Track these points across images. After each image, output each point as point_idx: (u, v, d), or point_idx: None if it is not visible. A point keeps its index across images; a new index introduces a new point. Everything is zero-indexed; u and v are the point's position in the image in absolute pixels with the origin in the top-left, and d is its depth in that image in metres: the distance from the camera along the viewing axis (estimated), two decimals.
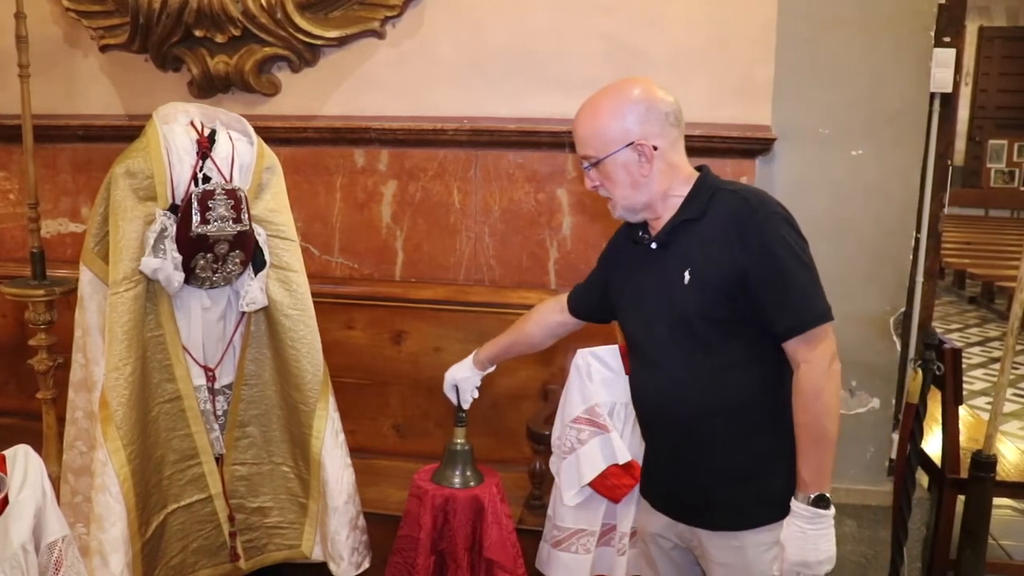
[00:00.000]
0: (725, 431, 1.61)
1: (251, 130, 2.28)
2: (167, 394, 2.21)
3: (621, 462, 2.12)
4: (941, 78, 2.85)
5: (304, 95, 3.06)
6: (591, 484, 2.16)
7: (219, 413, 2.32)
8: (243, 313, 2.30)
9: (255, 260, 2.24)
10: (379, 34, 2.97)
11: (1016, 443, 3.26)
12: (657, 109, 1.60)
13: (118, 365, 2.05)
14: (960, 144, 11.68)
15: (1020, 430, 4.56)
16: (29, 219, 2.58)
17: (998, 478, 2.48)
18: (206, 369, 2.28)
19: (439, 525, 2.16)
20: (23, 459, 1.52)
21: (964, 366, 2.70)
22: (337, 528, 2.32)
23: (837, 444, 1.57)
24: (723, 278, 1.55)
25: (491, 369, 2.15)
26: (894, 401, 2.94)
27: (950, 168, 3.05)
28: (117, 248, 2.07)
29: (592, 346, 2.20)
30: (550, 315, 2.02)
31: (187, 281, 2.17)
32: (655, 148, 1.58)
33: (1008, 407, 4.84)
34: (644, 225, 1.70)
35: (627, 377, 1.84)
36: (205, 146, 2.16)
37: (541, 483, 2.50)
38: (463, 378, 2.14)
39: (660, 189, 1.62)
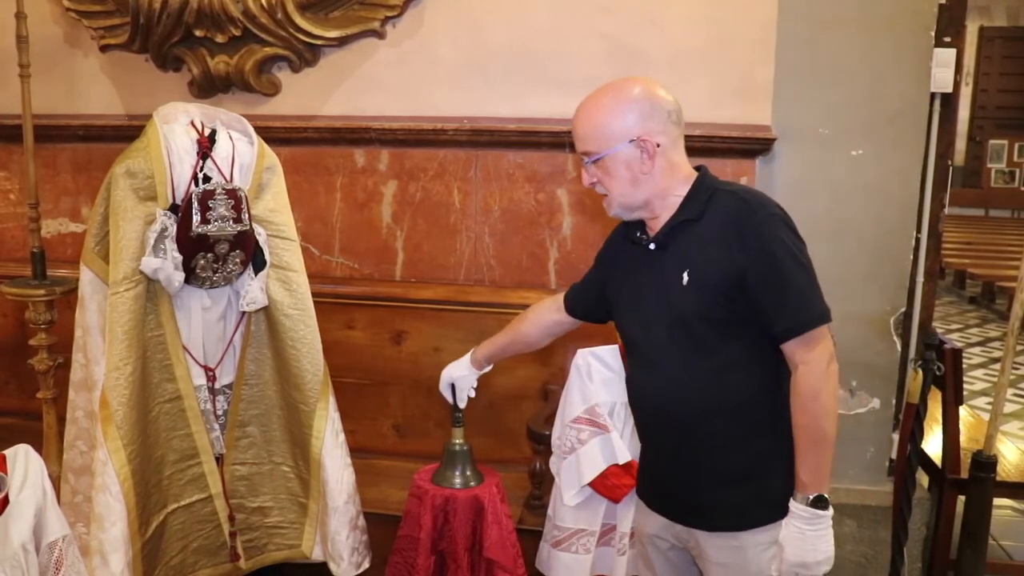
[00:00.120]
0: (725, 431, 1.61)
1: (251, 130, 2.28)
2: (167, 394, 2.21)
3: (621, 462, 2.12)
4: (941, 78, 2.85)
5: (304, 95, 3.07)
6: (591, 484, 2.16)
7: (219, 413, 2.32)
8: (243, 313, 2.30)
9: (255, 260, 2.24)
10: (379, 34, 2.97)
11: (1016, 443, 3.26)
12: (660, 107, 1.60)
13: (118, 365, 2.05)
14: (960, 144, 11.68)
15: (1020, 430, 4.56)
16: (29, 219, 2.59)
17: (998, 478, 2.48)
18: (206, 369, 2.28)
19: (439, 525, 2.16)
20: (23, 459, 1.52)
21: (964, 366, 2.70)
22: (337, 528, 2.32)
23: (837, 444, 1.57)
24: (721, 279, 1.54)
25: (488, 368, 2.15)
26: (894, 401, 2.94)
27: (950, 168, 3.05)
28: (117, 248, 2.07)
29: (592, 346, 2.20)
30: (547, 314, 2.02)
31: (187, 281, 2.17)
32: (658, 145, 1.58)
33: (1008, 407, 4.84)
34: (642, 225, 1.70)
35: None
36: (205, 146, 2.16)
37: (541, 483, 2.50)
38: (460, 376, 2.14)
39: (659, 187, 1.62)
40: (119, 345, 2.05)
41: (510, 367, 2.74)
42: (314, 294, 2.36)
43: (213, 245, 2.14)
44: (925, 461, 2.77)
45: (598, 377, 2.18)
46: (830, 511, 1.55)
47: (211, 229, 2.12)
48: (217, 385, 2.31)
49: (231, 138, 2.22)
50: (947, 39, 2.86)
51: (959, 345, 3.19)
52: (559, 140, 2.84)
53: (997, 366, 5.51)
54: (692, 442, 1.64)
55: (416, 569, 2.16)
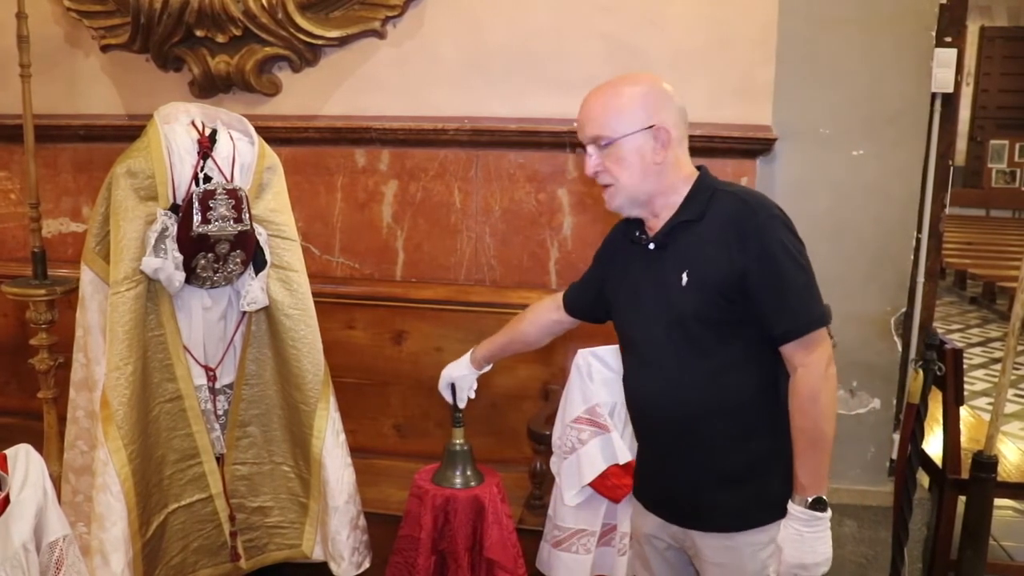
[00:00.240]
0: (723, 432, 1.60)
1: (252, 130, 2.28)
2: (168, 394, 2.21)
3: (622, 462, 2.12)
4: (942, 78, 2.84)
5: (305, 95, 3.07)
6: (591, 484, 2.17)
7: (220, 413, 2.32)
8: (244, 313, 2.30)
9: (256, 260, 2.25)
10: (380, 34, 2.97)
11: (1017, 444, 3.25)
12: (673, 101, 1.61)
13: (119, 364, 2.06)
14: (961, 144, 11.66)
15: (1021, 431, 4.56)
16: (30, 219, 2.59)
17: (999, 479, 2.48)
18: (207, 369, 2.29)
19: (440, 525, 2.16)
20: (24, 458, 1.53)
21: (965, 366, 2.70)
22: (338, 528, 2.32)
23: (837, 444, 1.57)
24: (721, 280, 1.54)
25: (487, 368, 2.14)
26: (895, 401, 2.94)
27: (951, 168, 3.05)
28: (118, 248, 2.07)
29: (592, 346, 2.20)
30: (546, 313, 2.01)
31: (188, 281, 2.17)
32: (671, 136, 1.58)
33: (1009, 408, 4.84)
34: (641, 225, 1.69)
35: None
36: (206, 146, 2.16)
37: (541, 483, 2.50)
38: (460, 376, 2.13)
39: (666, 182, 1.61)
40: (120, 345, 2.06)
41: (510, 367, 2.74)
42: (315, 294, 2.36)
43: (214, 245, 2.14)
44: (926, 461, 2.77)
45: (599, 377, 2.19)
46: (828, 513, 1.55)
47: (212, 229, 2.12)
48: (218, 385, 2.31)
49: (232, 138, 2.22)
50: (948, 39, 2.85)
51: (960, 345, 3.19)
52: (560, 140, 2.84)
53: (998, 366, 5.51)
54: (690, 443, 1.64)
55: (416, 569, 2.16)
